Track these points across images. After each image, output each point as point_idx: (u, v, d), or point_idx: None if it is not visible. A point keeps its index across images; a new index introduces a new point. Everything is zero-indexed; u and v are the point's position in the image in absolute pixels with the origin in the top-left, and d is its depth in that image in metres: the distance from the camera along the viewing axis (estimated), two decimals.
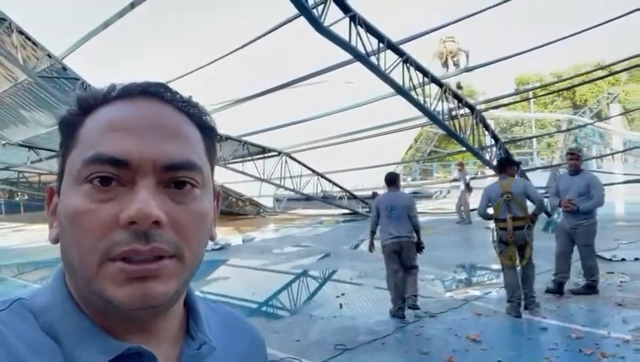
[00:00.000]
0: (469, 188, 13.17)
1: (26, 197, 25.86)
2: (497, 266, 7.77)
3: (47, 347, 0.47)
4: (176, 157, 0.50)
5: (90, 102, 0.53)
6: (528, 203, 5.19)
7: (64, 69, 8.59)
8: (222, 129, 12.36)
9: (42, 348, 0.47)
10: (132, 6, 7.86)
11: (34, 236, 14.93)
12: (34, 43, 8.09)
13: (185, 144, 0.51)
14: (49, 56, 8.34)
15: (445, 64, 13.35)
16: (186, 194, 0.50)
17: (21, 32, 7.88)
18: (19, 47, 7.81)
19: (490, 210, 5.21)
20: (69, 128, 0.53)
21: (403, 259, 5.21)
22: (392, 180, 5.49)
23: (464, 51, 13.61)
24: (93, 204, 0.47)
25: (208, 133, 0.56)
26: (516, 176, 5.45)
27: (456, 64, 14.12)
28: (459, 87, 13.05)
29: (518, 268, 5.08)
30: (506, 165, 5.34)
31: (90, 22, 8.53)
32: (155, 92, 0.52)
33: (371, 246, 5.54)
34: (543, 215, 6.31)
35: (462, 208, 13.05)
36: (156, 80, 0.55)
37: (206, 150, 0.56)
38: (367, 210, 16.63)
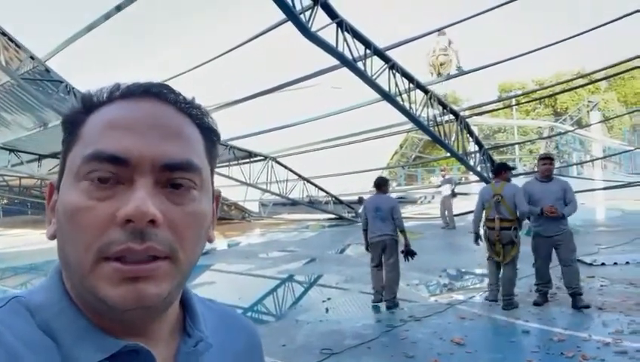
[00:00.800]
0: (453, 193, 13.25)
1: (6, 201, 25.34)
2: (481, 271, 7.88)
3: (44, 345, 0.47)
4: (175, 157, 0.50)
5: (94, 101, 0.53)
6: None
7: (47, 71, 8.46)
8: None
9: (39, 346, 0.47)
10: (118, 9, 7.79)
11: (13, 241, 14.63)
12: (17, 45, 7.96)
13: (185, 145, 0.52)
14: (32, 58, 8.21)
15: (439, 75, 13.40)
16: (183, 195, 0.50)
17: (4, 34, 7.75)
18: (1, 48, 7.68)
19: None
20: (72, 126, 0.53)
21: (386, 256, 5.69)
22: (379, 184, 5.99)
23: (455, 51, 13.58)
24: (91, 201, 0.47)
25: (209, 134, 0.57)
26: (510, 181, 5.72)
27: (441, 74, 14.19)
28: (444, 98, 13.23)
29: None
30: (501, 170, 5.70)
31: (77, 23, 8.43)
32: (158, 92, 0.53)
33: (367, 243, 5.83)
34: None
35: (446, 213, 13.14)
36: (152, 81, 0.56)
37: (206, 152, 0.56)
38: (353, 214, 16.66)
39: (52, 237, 0.52)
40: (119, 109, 0.51)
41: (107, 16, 7.88)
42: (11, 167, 13.66)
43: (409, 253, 5.80)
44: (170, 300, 0.51)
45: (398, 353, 4.21)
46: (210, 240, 0.58)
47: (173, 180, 0.50)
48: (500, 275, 5.52)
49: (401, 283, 6.92)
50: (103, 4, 7.78)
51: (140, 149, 0.48)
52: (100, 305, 0.47)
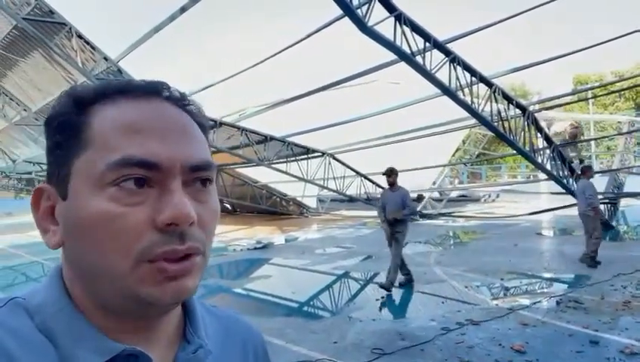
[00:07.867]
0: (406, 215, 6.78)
1: None
2: (549, 275, 7.43)
3: (42, 346, 0.47)
4: (198, 158, 0.51)
5: (90, 97, 0.51)
6: None
7: (119, 71, 9.01)
8: (266, 129, 12.38)
9: (37, 348, 0.47)
10: (182, 10, 8.11)
11: None
12: (92, 47, 8.53)
13: (200, 144, 0.53)
14: (105, 59, 8.77)
15: (569, 145, 13.46)
16: (207, 193, 0.52)
17: (80, 37, 8.33)
18: (78, 50, 8.26)
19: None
20: (71, 128, 0.50)
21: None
22: (583, 171, 8.32)
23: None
24: (124, 208, 0.46)
25: (204, 129, 0.57)
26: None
27: (578, 141, 14.39)
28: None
29: None
30: None
31: (144, 24, 8.89)
32: (163, 91, 0.52)
33: None
34: None
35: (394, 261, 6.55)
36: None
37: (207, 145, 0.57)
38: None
39: (58, 245, 0.51)
40: (133, 111, 0.50)
41: (172, 18, 8.23)
42: None
43: (605, 225, 8.52)
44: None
45: (452, 357, 4.06)
46: None
47: (199, 178, 0.51)
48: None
49: (458, 285, 6.72)
50: (169, 6, 8.16)
51: (169, 153, 0.49)
52: (132, 305, 0.48)
